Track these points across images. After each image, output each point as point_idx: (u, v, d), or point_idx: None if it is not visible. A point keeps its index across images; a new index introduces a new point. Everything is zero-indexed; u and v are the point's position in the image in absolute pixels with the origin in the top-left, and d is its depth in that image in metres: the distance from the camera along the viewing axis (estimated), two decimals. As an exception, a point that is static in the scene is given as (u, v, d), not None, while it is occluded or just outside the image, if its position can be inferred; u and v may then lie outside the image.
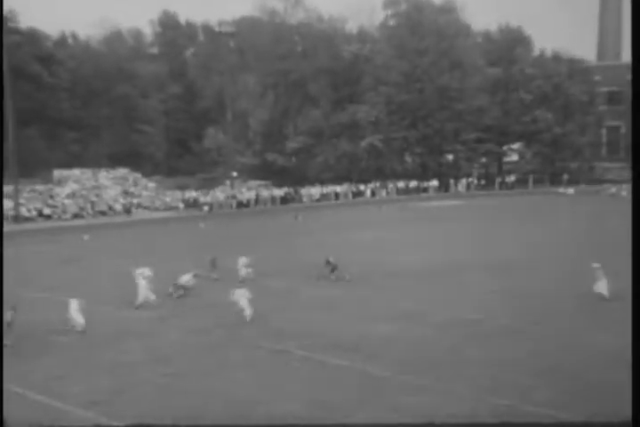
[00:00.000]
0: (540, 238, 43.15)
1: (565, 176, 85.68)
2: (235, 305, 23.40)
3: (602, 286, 25.31)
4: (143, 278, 25.75)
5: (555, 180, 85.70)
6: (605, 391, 15.95)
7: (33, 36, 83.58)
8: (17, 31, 79.07)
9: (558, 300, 25.75)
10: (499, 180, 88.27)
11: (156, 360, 19.53)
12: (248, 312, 23.15)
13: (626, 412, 10.16)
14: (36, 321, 22.99)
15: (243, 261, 30.12)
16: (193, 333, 22.31)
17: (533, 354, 19.16)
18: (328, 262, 30.31)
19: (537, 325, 22.27)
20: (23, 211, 58.97)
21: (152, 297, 25.63)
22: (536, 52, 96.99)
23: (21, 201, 59.61)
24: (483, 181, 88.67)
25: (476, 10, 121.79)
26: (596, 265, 25.74)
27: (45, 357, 19.98)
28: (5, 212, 58.19)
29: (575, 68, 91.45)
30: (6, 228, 54.49)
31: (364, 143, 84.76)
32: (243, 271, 29.79)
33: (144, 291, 25.51)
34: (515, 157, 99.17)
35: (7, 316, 20.53)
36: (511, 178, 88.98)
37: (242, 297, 23.40)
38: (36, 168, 72.00)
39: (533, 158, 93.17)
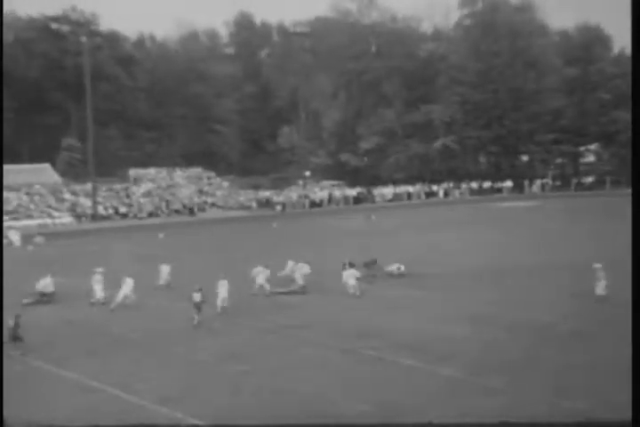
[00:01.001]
0: (612, 241, 42.20)
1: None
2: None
3: (600, 286, 25.63)
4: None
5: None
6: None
7: (113, 38, 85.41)
8: (98, 33, 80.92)
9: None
10: (574, 181, 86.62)
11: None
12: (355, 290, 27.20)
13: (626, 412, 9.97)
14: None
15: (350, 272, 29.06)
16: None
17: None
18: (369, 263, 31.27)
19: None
20: (100, 209, 60.25)
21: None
22: (615, 51, 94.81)
23: (99, 200, 60.91)
24: (558, 183, 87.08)
25: (554, 8, 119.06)
26: (597, 266, 26.05)
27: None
28: (83, 210, 59.66)
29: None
30: (84, 226, 56.08)
31: (437, 144, 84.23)
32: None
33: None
34: (591, 159, 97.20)
35: (197, 297, 23.47)
36: (587, 179, 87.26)
37: (350, 277, 27.45)
38: (114, 167, 73.57)
39: (611, 159, 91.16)
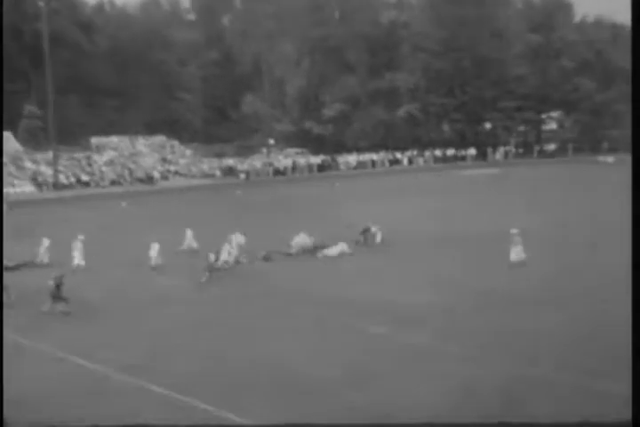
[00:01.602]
0: (576, 207, 42.75)
1: (605, 144, 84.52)
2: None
3: (516, 252, 26.02)
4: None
5: (594, 148, 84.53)
6: None
7: (71, 3, 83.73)
8: (55, -3, 79.18)
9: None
10: (537, 148, 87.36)
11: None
12: None
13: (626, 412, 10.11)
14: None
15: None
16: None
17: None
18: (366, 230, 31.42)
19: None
20: (62, 178, 59.57)
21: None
22: (578, 18, 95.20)
23: (60, 168, 60.18)
24: (521, 150, 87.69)
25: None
26: (514, 231, 26.45)
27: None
28: (45, 179, 58.95)
29: (618, 34, 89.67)
30: (45, 195, 55.46)
31: (401, 111, 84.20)
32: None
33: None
34: (554, 126, 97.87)
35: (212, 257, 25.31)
36: (550, 146, 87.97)
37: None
38: (75, 135, 72.52)
39: (573, 126, 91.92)
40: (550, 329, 18.77)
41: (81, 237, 27.87)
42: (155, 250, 27.23)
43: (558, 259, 27.52)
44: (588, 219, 37.60)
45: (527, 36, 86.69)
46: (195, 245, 30.08)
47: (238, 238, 28.77)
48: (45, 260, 28.04)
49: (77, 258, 27.35)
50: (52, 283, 20.99)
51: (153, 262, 27.18)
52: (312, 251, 29.33)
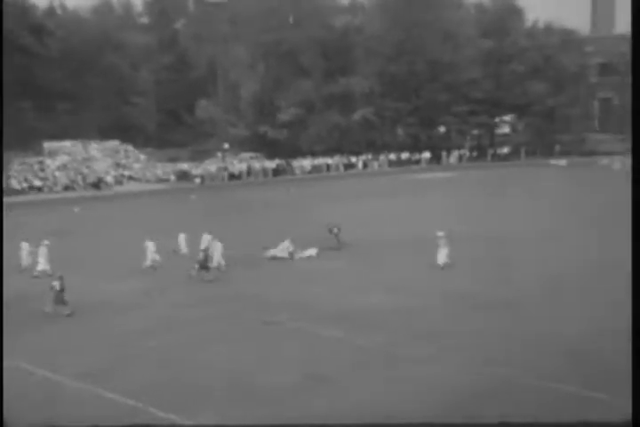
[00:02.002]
0: (526, 210, 43.40)
1: (557, 148, 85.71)
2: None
3: (442, 255, 26.36)
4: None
5: (546, 151, 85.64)
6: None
7: (21, 6, 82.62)
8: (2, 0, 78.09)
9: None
10: (491, 151, 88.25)
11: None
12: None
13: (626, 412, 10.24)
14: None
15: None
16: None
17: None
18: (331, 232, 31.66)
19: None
20: (14, 183, 58.76)
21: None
22: (529, 24, 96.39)
23: (12, 173, 59.39)
24: (475, 153, 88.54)
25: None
26: (440, 233, 26.75)
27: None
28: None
29: (568, 40, 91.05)
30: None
31: (355, 115, 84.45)
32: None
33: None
34: (507, 129, 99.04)
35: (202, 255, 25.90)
36: (503, 150, 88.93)
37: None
38: (27, 140, 71.56)
39: (525, 130, 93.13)
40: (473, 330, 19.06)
41: (46, 242, 27.82)
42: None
43: (489, 260, 28.06)
44: (534, 221, 38.34)
45: (479, 41, 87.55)
46: (158, 257, 28.54)
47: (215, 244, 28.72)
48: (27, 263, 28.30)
49: (42, 263, 27.33)
50: (55, 284, 21.45)
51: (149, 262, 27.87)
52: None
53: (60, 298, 21.45)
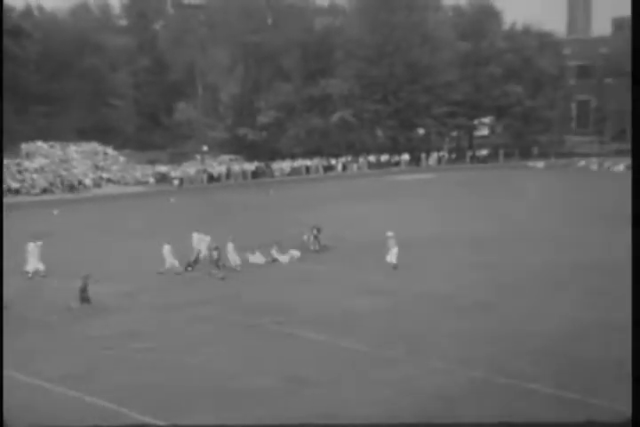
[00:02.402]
0: (507, 211, 43.72)
1: (535, 150, 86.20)
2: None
3: (392, 255, 26.93)
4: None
5: (525, 153, 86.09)
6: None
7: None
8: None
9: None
10: (469, 154, 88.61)
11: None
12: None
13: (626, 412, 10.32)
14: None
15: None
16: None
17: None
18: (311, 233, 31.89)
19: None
20: (-11, 186, 58.24)
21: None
22: (506, 26, 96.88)
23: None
24: (454, 155, 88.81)
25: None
26: (389, 234, 27.33)
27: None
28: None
29: (545, 42, 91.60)
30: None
31: (334, 117, 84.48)
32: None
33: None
34: (486, 131, 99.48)
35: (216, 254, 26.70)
36: (482, 152, 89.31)
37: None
38: (5, 142, 70.93)
39: (504, 132, 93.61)
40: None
41: (39, 242, 27.88)
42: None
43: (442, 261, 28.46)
44: (507, 221, 38.81)
45: (457, 44, 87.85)
46: (177, 263, 28.04)
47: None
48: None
49: (33, 264, 27.50)
50: (81, 283, 22.05)
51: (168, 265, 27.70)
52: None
53: (84, 295, 22.07)
